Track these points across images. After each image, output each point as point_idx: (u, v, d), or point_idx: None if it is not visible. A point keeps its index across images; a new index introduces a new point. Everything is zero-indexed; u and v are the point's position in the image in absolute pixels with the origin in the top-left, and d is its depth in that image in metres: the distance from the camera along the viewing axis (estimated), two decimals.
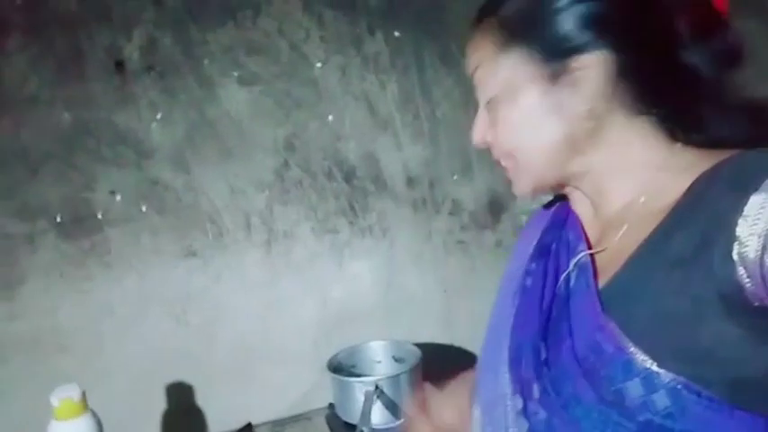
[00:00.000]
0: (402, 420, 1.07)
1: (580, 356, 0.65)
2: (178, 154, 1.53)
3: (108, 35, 1.45)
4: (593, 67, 0.67)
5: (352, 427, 1.27)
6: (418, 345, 1.48)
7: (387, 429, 1.27)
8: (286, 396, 1.58)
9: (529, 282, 0.81)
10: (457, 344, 1.75)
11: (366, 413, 1.13)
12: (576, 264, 0.73)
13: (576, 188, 0.76)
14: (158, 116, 1.50)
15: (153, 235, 1.52)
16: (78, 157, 1.45)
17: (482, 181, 1.76)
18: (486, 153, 1.85)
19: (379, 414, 1.24)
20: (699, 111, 0.70)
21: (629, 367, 0.60)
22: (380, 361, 1.48)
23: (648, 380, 0.58)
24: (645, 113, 0.70)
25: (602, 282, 0.69)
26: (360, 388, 1.24)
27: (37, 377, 1.42)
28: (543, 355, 0.71)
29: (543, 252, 0.82)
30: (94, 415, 1.12)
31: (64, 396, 1.09)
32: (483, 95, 0.74)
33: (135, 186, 1.50)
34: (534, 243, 0.85)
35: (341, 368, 1.41)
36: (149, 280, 1.51)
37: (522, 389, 0.72)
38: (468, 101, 1.71)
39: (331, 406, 1.41)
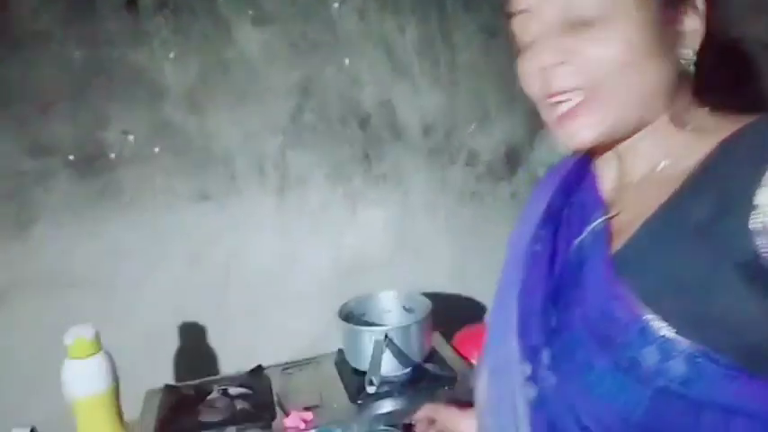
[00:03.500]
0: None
1: (593, 323, 0.64)
2: (191, 95, 1.50)
3: None
4: (701, 9, 0.63)
5: (361, 372, 1.29)
6: (429, 295, 1.48)
7: (395, 377, 1.28)
8: (296, 340, 1.60)
9: (538, 247, 0.79)
10: (468, 294, 1.75)
11: (375, 363, 1.14)
12: (590, 230, 0.71)
13: (612, 146, 0.72)
14: (171, 55, 1.47)
15: (166, 177, 1.51)
16: (90, 96, 1.43)
17: (499, 131, 1.72)
18: (504, 103, 1.81)
19: (387, 363, 1.25)
20: (727, 76, 0.67)
21: (644, 334, 0.59)
22: (390, 310, 1.49)
23: (665, 347, 0.58)
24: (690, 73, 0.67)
25: (615, 246, 0.67)
26: (369, 337, 1.24)
27: (51, 316, 1.44)
28: (554, 322, 0.70)
29: (553, 217, 0.80)
30: (107, 354, 1.14)
31: (78, 335, 1.11)
32: (573, 13, 0.63)
33: (148, 127, 1.48)
34: (543, 207, 0.83)
35: (351, 316, 1.41)
36: (163, 222, 1.51)
37: (530, 355, 0.72)
38: (489, 48, 1.66)
39: (340, 352, 1.43)
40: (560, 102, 0.67)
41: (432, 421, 1.06)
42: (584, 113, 0.65)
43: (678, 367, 0.57)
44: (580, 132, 0.66)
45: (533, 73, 0.69)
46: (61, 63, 1.39)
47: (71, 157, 1.44)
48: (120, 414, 1.16)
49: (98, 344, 1.13)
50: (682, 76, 0.66)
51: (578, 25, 0.63)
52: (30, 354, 1.43)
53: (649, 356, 0.58)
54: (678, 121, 0.67)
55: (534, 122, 1.72)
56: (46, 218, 1.44)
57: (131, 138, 1.47)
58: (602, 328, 0.63)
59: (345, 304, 1.43)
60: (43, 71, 1.38)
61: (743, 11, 0.65)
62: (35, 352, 1.43)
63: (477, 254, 1.74)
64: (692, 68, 0.66)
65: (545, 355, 0.70)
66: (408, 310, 1.45)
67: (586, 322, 0.65)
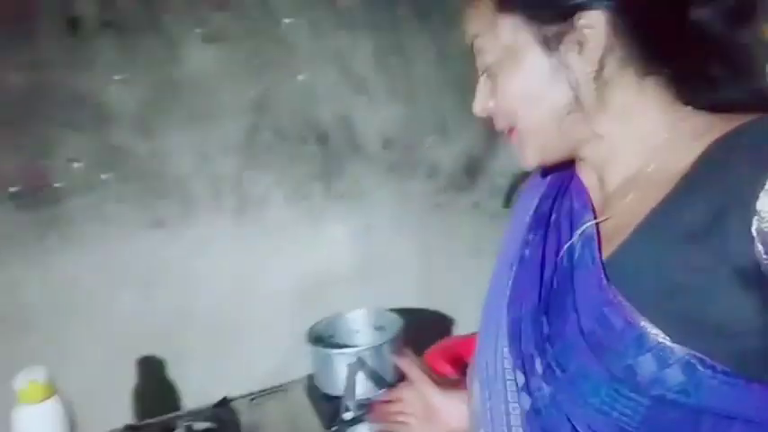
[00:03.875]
0: (384, 390, 1.04)
1: (587, 331, 0.62)
2: (141, 118, 1.44)
3: None
4: (598, 24, 0.62)
5: (333, 398, 1.25)
6: (397, 310, 1.45)
7: (369, 399, 1.23)
8: (262, 367, 1.54)
9: (527, 252, 0.78)
10: (435, 308, 1.73)
11: (350, 387, 1.10)
12: (580, 234, 0.69)
13: (582, 158, 0.72)
14: (117, 77, 1.41)
15: (117, 205, 1.44)
16: (32, 123, 1.35)
17: (459, 142, 1.71)
18: (462, 114, 1.80)
19: (361, 385, 1.21)
20: (710, 71, 0.66)
21: (640, 342, 0.57)
22: (360, 330, 1.45)
23: (661, 355, 0.56)
24: (653, 74, 0.66)
25: (606, 252, 0.66)
26: (341, 360, 1.20)
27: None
28: (546, 330, 0.68)
29: (541, 222, 0.79)
30: (62, 397, 1.07)
31: (29, 379, 1.03)
32: (483, 64, 0.70)
33: (95, 153, 1.41)
34: (531, 212, 0.82)
35: (320, 339, 1.37)
36: (115, 253, 1.44)
37: (523, 364, 0.70)
38: (444, 59, 1.65)
39: (310, 377, 1.38)
40: None
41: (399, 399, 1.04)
42: (520, 146, 0.71)
43: (675, 375, 0.56)
44: (524, 159, 0.72)
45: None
46: None
47: (13, 189, 1.35)
48: None
49: (52, 387, 1.05)
50: (630, 83, 0.65)
51: (494, 69, 0.69)
52: None
53: (645, 365, 0.57)
54: (664, 120, 0.66)
55: (493, 132, 1.72)
56: None
57: (78, 165, 1.40)
58: (597, 337, 0.61)
59: (313, 327, 1.39)
60: None
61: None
62: None
63: (443, 266, 1.72)
64: (596, 86, 0.65)
65: (538, 365, 0.68)
66: (378, 328, 1.42)
67: (580, 330, 0.63)
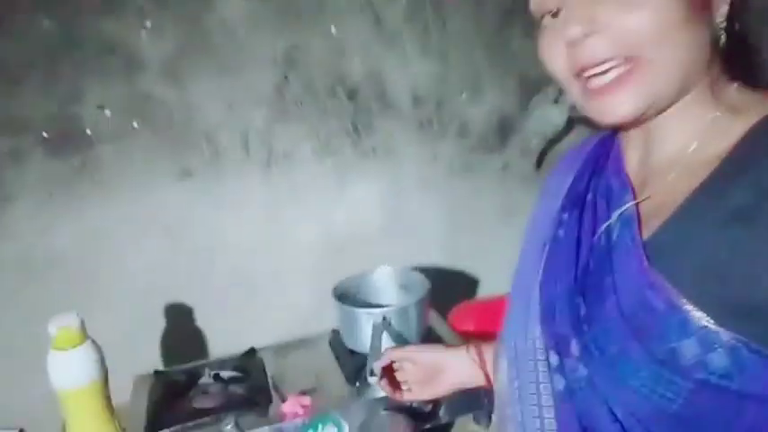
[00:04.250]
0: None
1: (627, 314, 0.61)
2: (171, 66, 1.42)
3: None
4: None
5: (357, 353, 1.26)
6: (421, 270, 1.44)
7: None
8: (287, 319, 1.56)
9: (561, 232, 0.75)
10: (460, 269, 1.73)
11: (375, 350, 1.10)
12: (619, 215, 0.67)
13: (642, 123, 0.67)
14: (147, 25, 1.39)
15: (146, 154, 1.44)
16: (63, 70, 1.34)
17: (491, 100, 1.67)
18: (495, 71, 1.75)
19: (385, 345, 1.21)
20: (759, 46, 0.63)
21: (684, 326, 0.56)
22: (386, 288, 1.44)
23: (705, 339, 0.55)
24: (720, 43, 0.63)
25: (646, 233, 0.63)
26: (367, 319, 1.20)
27: (30, 300, 1.38)
28: (582, 311, 0.67)
29: (577, 201, 0.76)
30: (94, 343, 1.09)
31: (62, 324, 1.05)
32: None
33: (125, 101, 1.40)
34: (565, 190, 0.79)
35: (346, 295, 1.37)
36: (144, 201, 1.45)
37: (557, 345, 0.69)
38: (480, 13, 1.60)
39: (334, 332, 1.39)
40: (593, 75, 0.63)
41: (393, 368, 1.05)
42: (624, 87, 0.61)
43: (719, 360, 0.54)
44: (618, 107, 0.62)
45: (559, 48, 0.64)
46: (30, 35, 1.30)
47: (45, 134, 1.36)
48: (109, 405, 1.11)
49: (84, 333, 1.07)
50: (713, 46, 0.62)
51: None
52: (7, 340, 1.38)
53: (689, 348, 0.56)
54: (712, 96, 0.64)
55: (526, 92, 1.68)
56: (21, 198, 1.36)
57: (108, 113, 1.40)
58: (638, 319, 0.60)
59: (340, 283, 1.38)
60: (11, 43, 1.29)
61: None
62: (13, 336, 1.37)
63: (470, 227, 1.71)
64: (722, 38, 0.62)
65: (574, 346, 0.66)
66: (404, 287, 1.41)
67: (620, 312, 0.62)
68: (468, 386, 1.01)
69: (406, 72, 1.59)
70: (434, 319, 1.41)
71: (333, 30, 1.51)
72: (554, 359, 0.69)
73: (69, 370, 1.05)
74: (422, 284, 1.34)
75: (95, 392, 1.07)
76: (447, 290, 1.58)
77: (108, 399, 1.11)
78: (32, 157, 1.36)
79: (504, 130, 1.69)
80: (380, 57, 1.56)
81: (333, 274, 1.47)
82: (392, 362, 1.04)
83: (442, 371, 1.00)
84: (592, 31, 0.60)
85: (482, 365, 0.96)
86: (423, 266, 1.51)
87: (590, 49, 0.61)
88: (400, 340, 1.22)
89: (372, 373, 0.99)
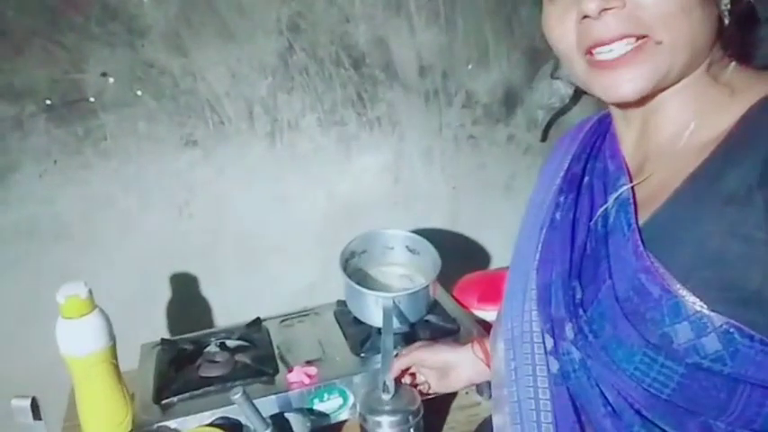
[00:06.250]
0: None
1: (622, 298, 0.61)
2: (174, 33, 1.40)
3: None
4: None
5: (362, 323, 1.26)
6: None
7: (397, 330, 1.23)
8: (292, 289, 1.57)
9: (558, 215, 0.76)
10: (465, 241, 1.73)
11: (387, 329, 1.10)
12: (615, 199, 0.67)
13: (646, 101, 0.67)
14: None
15: (150, 122, 1.43)
16: (65, 36, 1.32)
17: (498, 71, 1.65)
18: (503, 39, 1.72)
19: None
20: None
21: (677, 310, 0.56)
22: (393, 247, 1.42)
23: (698, 323, 0.56)
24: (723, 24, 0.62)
25: (642, 217, 0.64)
26: (375, 300, 1.19)
27: (36, 268, 1.39)
28: (578, 295, 0.67)
29: (573, 184, 0.76)
30: (102, 312, 1.10)
31: (70, 293, 1.06)
32: None
33: (129, 69, 1.38)
34: (563, 173, 0.79)
35: (353, 256, 1.36)
36: (149, 170, 1.44)
37: (552, 328, 0.70)
38: None
39: (339, 302, 1.39)
40: (601, 52, 0.62)
41: (409, 372, 1.09)
42: (631, 64, 0.61)
43: (712, 344, 0.55)
44: (625, 85, 0.62)
45: (570, 22, 0.63)
46: (31, 1, 1.28)
47: (48, 102, 1.34)
48: (118, 372, 1.12)
49: (92, 302, 1.08)
50: (717, 27, 0.62)
51: None
52: (15, 309, 1.38)
53: (682, 333, 0.56)
54: (711, 75, 0.63)
55: (533, 62, 1.66)
56: (26, 165, 1.36)
57: (111, 80, 1.38)
58: (632, 303, 0.60)
59: (347, 246, 1.35)
60: (12, 11, 1.27)
61: None
62: (21, 307, 1.38)
63: (475, 199, 1.71)
64: (726, 19, 0.62)
65: (568, 330, 0.67)
66: (412, 250, 1.39)
67: (614, 296, 0.62)
68: (477, 382, 1.05)
69: (412, 41, 1.57)
70: (439, 292, 1.41)
71: None
72: (549, 342, 0.70)
73: (78, 338, 1.06)
74: (433, 263, 1.31)
75: (104, 360, 1.08)
76: (451, 261, 1.58)
77: (116, 366, 1.12)
78: (36, 125, 1.35)
79: (509, 102, 1.68)
80: (386, 25, 1.54)
81: (337, 244, 1.46)
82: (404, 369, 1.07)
83: (453, 368, 1.04)
84: (608, 6, 0.59)
85: (488, 362, 0.98)
86: (427, 236, 1.51)
87: (606, 26, 0.60)
88: (405, 319, 1.22)
89: (386, 389, 1.01)
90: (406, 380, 1.10)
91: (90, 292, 1.08)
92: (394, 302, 1.16)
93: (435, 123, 1.64)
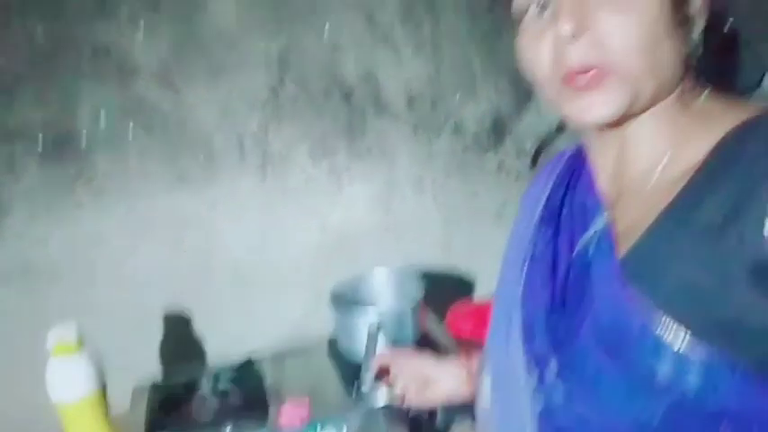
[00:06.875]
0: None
1: (603, 332, 0.61)
2: (164, 70, 1.41)
3: None
4: None
5: (354, 364, 1.26)
6: (416, 269, 1.44)
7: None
8: (286, 322, 1.57)
9: (538, 249, 0.75)
10: (456, 269, 1.73)
11: (369, 354, 1.10)
12: (594, 232, 0.67)
13: (619, 125, 0.66)
14: (141, 28, 1.38)
15: (141, 159, 1.44)
16: (57, 75, 1.33)
17: (486, 100, 1.67)
18: (490, 70, 1.74)
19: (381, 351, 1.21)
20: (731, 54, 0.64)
21: (658, 345, 0.56)
22: (382, 290, 1.43)
23: (679, 357, 0.55)
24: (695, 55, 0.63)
25: (622, 250, 0.64)
26: (362, 325, 1.20)
27: (28, 310, 1.39)
28: (561, 329, 0.67)
29: (553, 216, 0.76)
30: (92, 354, 1.10)
31: (60, 337, 1.06)
32: None
33: (120, 106, 1.40)
34: (542, 205, 0.79)
35: (342, 298, 1.37)
36: (140, 207, 1.45)
37: (537, 363, 0.69)
38: (473, 12, 1.60)
39: (332, 341, 1.39)
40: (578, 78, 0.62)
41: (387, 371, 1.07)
42: (603, 87, 0.60)
43: (693, 378, 0.55)
44: (598, 108, 0.61)
45: (546, 45, 0.63)
46: (23, 39, 1.29)
47: (40, 142, 1.35)
48: (107, 415, 1.12)
49: (82, 345, 1.08)
50: (687, 59, 0.63)
51: None
52: (6, 351, 1.38)
53: (663, 367, 0.56)
54: (685, 102, 0.64)
55: (521, 90, 1.68)
56: (18, 207, 1.36)
57: (103, 118, 1.39)
58: (613, 338, 0.60)
59: (336, 287, 1.38)
60: (4, 50, 1.29)
61: None
62: (12, 346, 1.38)
63: (465, 227, 1.71)
64: (699, 50, 0.62)
65: (552, 365, 0.67)
66: (400, 289, 1.41)
67: (596, 331, 0.62)
68: (455, 399, 1.03)
69: (400, 72, 1.58)
70: (431, 322, 1.41)
71: (325, 31, 1.50)
72: (534, 377, 0.69)
73: (68, 382, 1.06)
74: (416, 289, 1.33)
75: (93, 405, 1.08)
76: (442, 290, 1.59)
77: (106, 409, 1.12)
78: (28, 166, 1.35)
79: (498, 130, 1.69)
80: (374, 57, 1.55)
81: (330, 275, 1.47)
82: (383, 368, 1.06)
83: (434, 381, 1.02)
84: (581, 30, 0.59)
85: (470, 384, 0.97)
86: (418, 267, 1.52)
87: (579, 53, 0.60)
88: (396, 345, 1.22)
89: (363, 386, 1.01)
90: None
91: (80, 334, 1.08)
92: (380, 324, 1.16)
93: (425, 152, 1.65)
